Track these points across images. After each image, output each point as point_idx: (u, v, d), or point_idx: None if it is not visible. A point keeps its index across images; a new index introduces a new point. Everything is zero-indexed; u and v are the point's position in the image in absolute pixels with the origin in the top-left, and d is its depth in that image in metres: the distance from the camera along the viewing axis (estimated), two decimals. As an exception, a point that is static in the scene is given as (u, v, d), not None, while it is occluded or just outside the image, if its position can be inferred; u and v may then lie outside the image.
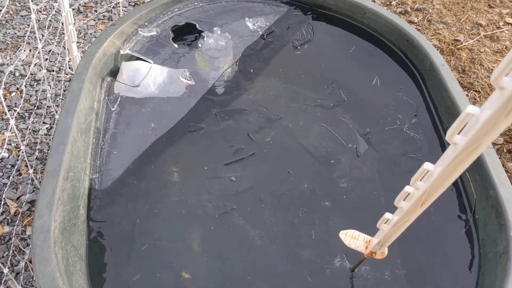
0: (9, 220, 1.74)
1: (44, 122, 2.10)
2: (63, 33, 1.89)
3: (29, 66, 2.35)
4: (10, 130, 2.02)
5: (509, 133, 2.13)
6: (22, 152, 1.82)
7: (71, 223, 1.08)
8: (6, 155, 1.95)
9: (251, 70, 1.63)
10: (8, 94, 2.22)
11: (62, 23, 1.84)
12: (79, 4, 2.77)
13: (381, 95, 1.56)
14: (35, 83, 2.28)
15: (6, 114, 2.08)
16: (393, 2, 3.00)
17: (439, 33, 2.73)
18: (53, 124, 2.10)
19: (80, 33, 2.60)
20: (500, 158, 2.05)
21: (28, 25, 2.62)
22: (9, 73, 2.29)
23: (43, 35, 2.52)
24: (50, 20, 2.64)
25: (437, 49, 2.49)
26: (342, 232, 0.98)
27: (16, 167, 1.89)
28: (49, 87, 2.23)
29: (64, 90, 2.22)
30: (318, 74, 1.63)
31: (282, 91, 1.56)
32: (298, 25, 1.80)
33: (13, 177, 1.86)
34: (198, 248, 1.14)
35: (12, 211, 1.76)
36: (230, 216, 1.20)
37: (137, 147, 1.35)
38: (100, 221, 1.17)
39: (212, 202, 1.23)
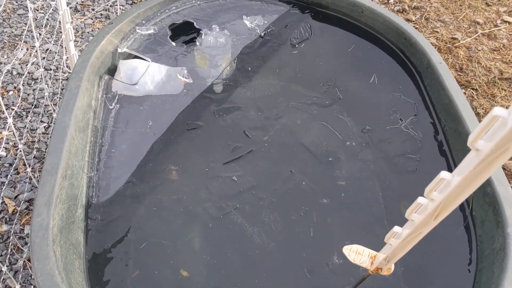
0: (7, 219, 1.74)
1: (41, 121, 2.10)
2: (61, 32, 1.89)
3: (27, 64, 2.35)
4: (7, 129, 2.02)
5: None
6: (20, 150, 1.82)
7: (69, 221, 1.08)
8: (4, 154, 1.95)
9: (249, 68, 1.63)
10: (6, 93, 2.21)
11: (60, 22, 1.84)
12: (76, 3, 2.76)
13: (379, 93, 1.57)
14: (33, 82, 2.28)
15: (3, 113, 2.08)
16: (391, 0, 3.00)
17: (437, 31, 2.73)
18: (50, 122, 2.09)
19: (78, 31, 2.59)
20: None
21: (26, 23, 2.61)
22: (6, 72, 2.28)
23: (40, 34, 2.51)
24: (48, 19, 2.63)
25: (435, 47, 2.50)
26: (346, 248, 0.93)
27: (14, 166, 1.89)
28: (46, 85, 2.22)
29: (62, 89, 2.21)
30: (315, 72, 1.64)
31: (280, 89, 1.57)
32: (296, 23, 1.80)
33: (11, 176, 1.86)
34: (197, 246, 1.14)
35: (10, 210, 1.76)
36: (229, 214, 1.20)
37: (135, 145, 1.35)
38: (98, 219, 1.17)
39: (210, 200, 1.23)
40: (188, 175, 1.29)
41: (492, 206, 1.10)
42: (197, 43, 1.66)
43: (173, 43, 1.65)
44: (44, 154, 1.94)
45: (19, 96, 2.19)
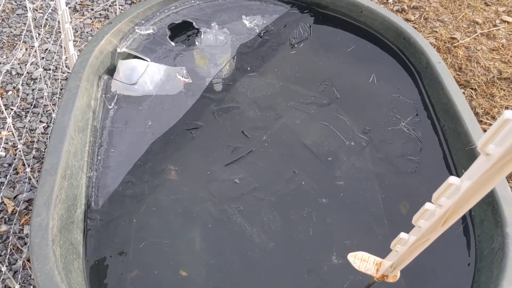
0: (7, 219, 1.74)
1: (41, 121, 2.10)
2: (60, 32, 1.89)
3: (26, 64, 2.35)
4: (7, 129, 2.02)
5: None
6: (19, 151, 1.82)
7: (69, 221, 1.08)
8: (3, 154, 1.95)
9: (248, 68, 1.63)
10: (5, 93, 2.21)
11: (59, 22, 1.84)
12: (76, 3, 2.76)
13: (378, 92, 1.57)
14: (32, 82, 2.28)
15: (3, 113, 2.08)
16: (390, 0, 3.00)
17: (436, 31, 2.74)
18: (50, 122, 2.09)
19: (77, 31, 2.59)
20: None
21: (25, 23, 2.61)
22: (5, 72, 2.28)
23: (39, 34, 2.51)
24: (47, 19, 2.63)
25: (434, 47, 2.50)
26: (351, 255, 0.91)
27: (13, 166, 1.89)
28: (45, 85, 2.22)
29: (61, 89, 2.21)
30: (315, 72, 1.64)
31: (279, 89, 1.57)
32: (295, 23, 1.80)
33: (10, 176, 1.86)
34: (196, 246, 1.14)
35: (10, 210, 1.76)
36: (228, 214, 1.20)
37: (134, 145, 1.35)
38: (97, 219, 1.17)
39: (210, 200, 1.23)
40: (187, 175, 1.29)
41: (491, 206, 1.10)
42: (197, 43, 1.66)
43: (172, 43, 1.65)
44: (44, 154, 1.94)
45: (18, 96, 2.19)
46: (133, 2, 2.84)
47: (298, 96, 1.54)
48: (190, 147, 1.37)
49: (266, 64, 1.65)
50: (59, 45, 2.42)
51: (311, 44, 1.74)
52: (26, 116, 2.10)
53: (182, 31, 1.75)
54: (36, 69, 2.33)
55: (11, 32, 2.55)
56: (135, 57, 1.58)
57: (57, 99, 2.18)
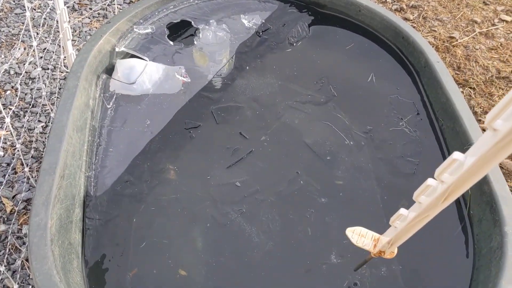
0: (5, 219, 1.73)
1: (39, 121, 2.09)
2: (58, 31, 1.88)
3: (24, 64, 2.34)
4: (5, 129, 2.01)
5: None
6: (18, 150, 1.82)
7: (67, 221, 1.08)
8: (1, 153, 1.94)
9: (247, 67, 1.63)
10: (3, 92, 2.21)
11: (57, 21, 1.83)
12: (74, 2, 2.76)
13: (376, 91, 1.57)
14: (30, 82, 2.27)
15: (1, 113, 2.07)
16: (389, -1, 3.00)
17: (435, 30, 2.74)
18: (48, 122, 2.09)
19: (75, 31, 2.59)
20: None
21: (23, 23, 2.61)
22: (4, 72, 2.28)
23: (37, 33, 2.50)
24: (45, 18, 2.62)
25: (432, 46, 2.50)
26: (349, 229, 0.90)
27: (11, 165, 1.89)
28: (44, 85, 2.22)
29: (59, 88, 2.21)
30: (313, 71, 1.64)
31: (278, 88, 1.57)
32: (294, 22, 1.80)
33: (8, 175, 1.86)
34: (195, 245, 1.14)
35: (8, 210, 1.75)
36: (228, 215, 1.20)
37: (133, 144, 1.35)
38: (96, 219, 1.17)
39: (209, 200, 1.23)
40: (186, 174, 1.29)
41: (490, 205, 1.10)
42: (195, 41, 1.66)
43: (171, 42, 1.65)
44: (42, 154, 1.94)
45: (16, 95, 2.19)
46: (132, 1, 2.83)
47: (297, 95, 1.54)
48: (189, 147, 1.37)
49: (265, 63, 1.65)
50: (58, 44, 2.42)
51: (309, 43, 1.74)
52: (24, 116, 2.10)
53: (181, 30, 1.75)
54: (35, 68, 2.33)
55: (9, 31, 2.54)
56: (134, 56, 1.58)
57: (55, 98, 2.18)
